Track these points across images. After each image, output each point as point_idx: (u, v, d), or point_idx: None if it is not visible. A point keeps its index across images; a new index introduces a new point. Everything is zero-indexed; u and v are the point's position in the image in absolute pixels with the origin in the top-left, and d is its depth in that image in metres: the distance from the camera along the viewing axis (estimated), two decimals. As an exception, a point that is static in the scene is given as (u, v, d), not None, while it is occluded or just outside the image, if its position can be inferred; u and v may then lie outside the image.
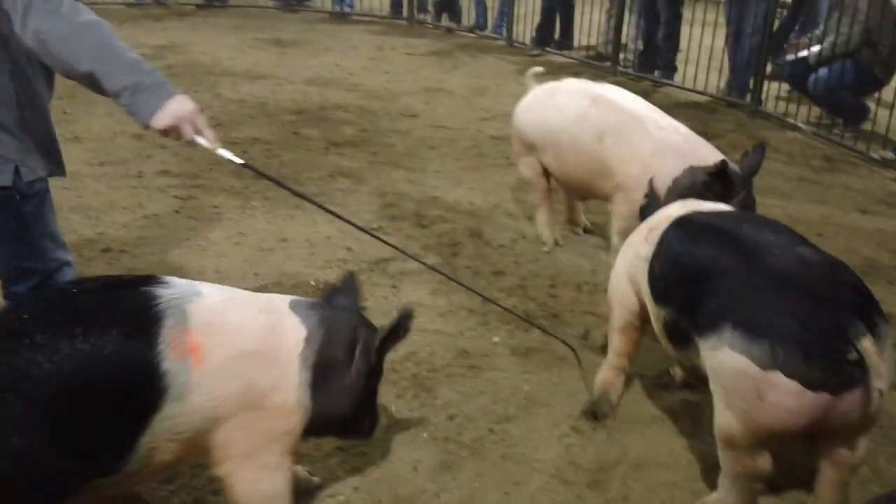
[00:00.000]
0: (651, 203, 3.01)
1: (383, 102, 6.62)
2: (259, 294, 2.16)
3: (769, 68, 6.87)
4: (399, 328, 2.18)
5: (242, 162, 2.47)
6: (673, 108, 4.98)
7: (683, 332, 2.37)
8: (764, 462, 2.23)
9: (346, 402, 2.13)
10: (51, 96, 2.35)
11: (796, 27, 7.55)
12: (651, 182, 3.25)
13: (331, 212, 2.83)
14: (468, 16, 9.97)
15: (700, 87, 7.16)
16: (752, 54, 6.81)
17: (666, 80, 7.62)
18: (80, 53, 2.04)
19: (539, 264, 3.95)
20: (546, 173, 4.02)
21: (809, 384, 2.01)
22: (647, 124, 3.56)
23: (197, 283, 2.03)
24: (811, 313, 2.03)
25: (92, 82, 2.09)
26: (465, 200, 4.67)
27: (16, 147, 2.19)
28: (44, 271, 2.33)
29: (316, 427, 2.12)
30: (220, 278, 3.58)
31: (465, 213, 4.48)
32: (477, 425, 2.76)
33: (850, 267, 2.25)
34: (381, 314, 3.03)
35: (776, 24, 7.01)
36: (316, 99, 6.55)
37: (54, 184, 2.41)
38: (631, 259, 2.74)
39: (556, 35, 8.89)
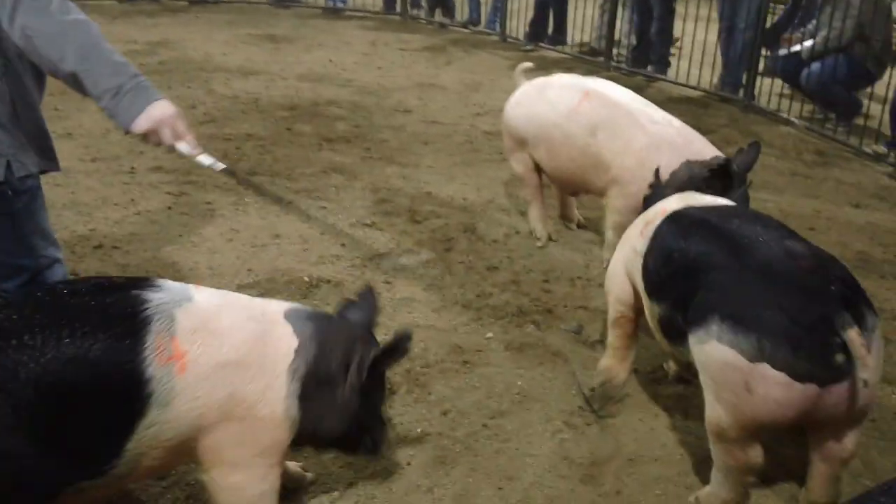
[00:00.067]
0: (655, 193, 3.01)
1: (376, 98, 6.61)
2: (255, 300, 2.13)
3: (762, 65, 6.88)
4: (395, 349, 2.13)
5: (223, 167, 2.41)
6: (666, 103, 4.98)
7: (677, 327, 2.38)
8: (755, 455, 2.23)
9: (339, 417, 2.09)
10: (43, 92, 2.34)
11: (795, 22, 7.55)
12: (657, 171, 3.25)
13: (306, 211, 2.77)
14: (461, 11, 9.96)
15: (693, 83, 7.17)
16: (744, 49, 6.82)
17: (659, 75, 7.63)
18: (66, 52, 2.03)
19: (532, 259, 3.96)
20: (538, 169, 4.02)
21: (797, 376, 2.02)
22: (640, 118, 3.56)
23: (192, 287, 2.00)
24: (799, 306, 2.04)
25: (75, 82, 2.08)
26: (459, 196, 4.67)
27: (8, 142, 2.18)
28: (34, 268, 2.32)
29: (307, 440, 2.10)
30: (213, 275, 3.58)
31: (458, 209, 4.48)
32: (470, 421, 2.77)
33: (839, 260, 2.26)
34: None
35: (770, 19, 7.01)
36: (309, 95, 6.54)
37: (46, 180, 2.40)
38: (628, 253, 2.75)
39: (550, 30, 8.89)
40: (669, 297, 2.43)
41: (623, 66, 7.99)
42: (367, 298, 2.31)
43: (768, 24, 6.96)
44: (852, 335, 1.96)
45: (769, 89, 6.76)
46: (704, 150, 3.43)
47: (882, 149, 5.72)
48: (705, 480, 2.43)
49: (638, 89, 4.18)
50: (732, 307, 2.13)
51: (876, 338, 2.10)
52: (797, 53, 6.37)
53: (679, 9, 7.62)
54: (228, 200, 4.37)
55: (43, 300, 1.84)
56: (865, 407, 2.12)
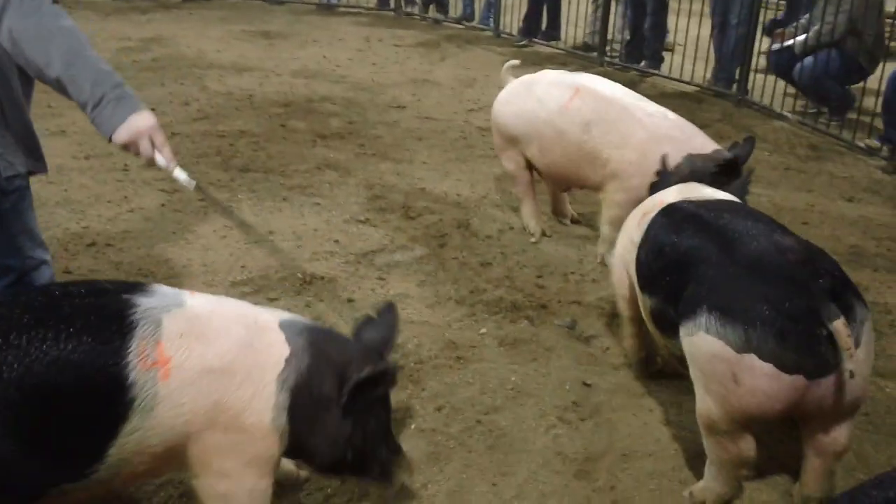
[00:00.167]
0: (662, 180, 3.02)
1: (370, 94, 6.60)
2: (248, 307, 2.08)
3: (755, 61, 6.88)
4: (380, 377, 2.00)
5: (194, 184, 2.35)
6: (660, 98, 4.97)
7: (669, 320, 2.39)
8: (748, 448, 2.24)
9: (330, 437, 2.01)
10: (31, 93, 2.33)
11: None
12: (663, 159, 3.25)
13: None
14: (455, 7, 9.94)
15: (687, 77, 7.18)
16: (737, 45, 6.83)
17: (653, 71, 7.63)
18: (52, 58, 2.03)
19: (526, 255, 3.96)
20: (529, 166, 4.01)
21: (784, 366, 2.03)
22: (635, 112, 3.57)
23: (186, 292, 1.97)
24: (786, 298, 2.05)
25: (60, 88, 2.08)
26: (453, 192, 4.67)
27: None
28: (20, 269, 2.30)
29: (301, 456, 2.06)
30: (207, 272, 3.58)
31: (452, 205, 4.48)
32: (464, 416, 2.77)
33: (828, 254, 2.27)
34: (368, 306, 3.03)
35: (763, 14, 7.01)
36: (303, 91, 6.53)
37: (39, 178, 2.39)
38: (626, 244, 2.76)
39: (544, 26, 8.88)
40: (661, 290, 2.44)
41: (617, 61, 7.99)
42: (387, 316, 2.20)
43: (763, 21, 6.96)
44: (838, 326, 1.97)
45: (762, 84, 6.77)
46: (704, 143, 3.47)
47: (875, 143, 5.72)
48: (699, 475, 2.44)
49: (631, 84, 4.19)
50: (720, 299, 2.14)
51: (866, 330, 2.11)
52: (790, 48, 6.38)
53: (672, 4, 7.62)
54: (222, 197, 4.36)
55: (32, 300, 1.83)
56: (856, 399, 2.13)
